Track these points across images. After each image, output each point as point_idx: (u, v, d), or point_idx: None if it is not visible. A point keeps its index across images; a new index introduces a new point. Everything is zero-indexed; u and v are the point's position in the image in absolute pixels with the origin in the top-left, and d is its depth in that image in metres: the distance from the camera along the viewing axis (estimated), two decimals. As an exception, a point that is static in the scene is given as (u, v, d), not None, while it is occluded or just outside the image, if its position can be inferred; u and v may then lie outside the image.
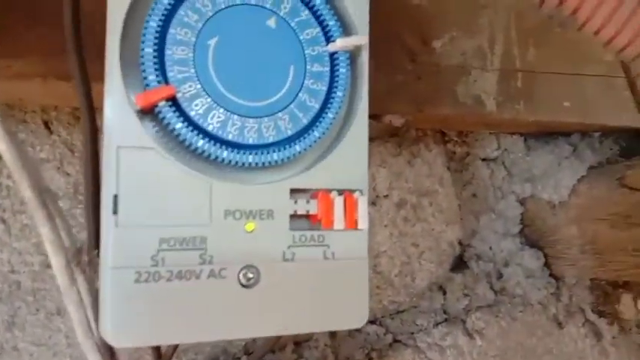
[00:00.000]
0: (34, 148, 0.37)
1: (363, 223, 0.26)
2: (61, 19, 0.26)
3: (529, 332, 0.48)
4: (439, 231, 0.47)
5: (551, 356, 0.49)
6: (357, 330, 0.43)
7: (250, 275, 0.25)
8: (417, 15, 0.36)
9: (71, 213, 0.37)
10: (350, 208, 0.26)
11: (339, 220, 0.26)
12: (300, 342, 0.41)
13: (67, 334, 0.36)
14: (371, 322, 0.44)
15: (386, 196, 0.44)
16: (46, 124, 0.38)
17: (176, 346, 0.27)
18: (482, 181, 0.48)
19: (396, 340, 0.44)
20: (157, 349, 0.28)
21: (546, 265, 0.49)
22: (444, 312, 0.46)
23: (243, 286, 0.25)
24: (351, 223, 0.26)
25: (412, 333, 0.45)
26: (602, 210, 0.45)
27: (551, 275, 0.49)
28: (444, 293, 0.47)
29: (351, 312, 0.26)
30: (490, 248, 0.48)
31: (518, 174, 0.49)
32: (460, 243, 0.48)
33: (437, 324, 0.45)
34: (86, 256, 0.24)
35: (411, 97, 0.36)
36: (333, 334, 0.42)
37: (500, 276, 0.48)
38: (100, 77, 0.24)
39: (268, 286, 0.25)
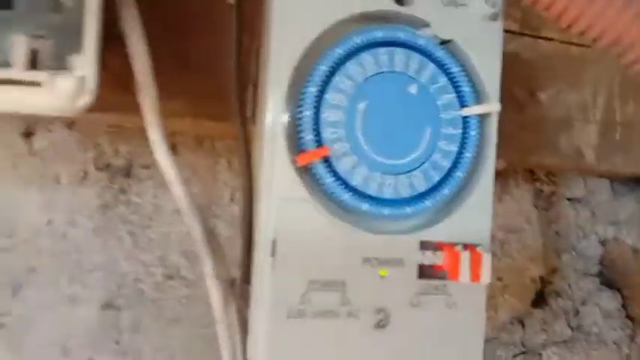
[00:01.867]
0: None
1: (485, 278, 0.28)
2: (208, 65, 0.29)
3: (602, 370, 0.49)
4: (523, 267, 0.48)
5: (622, 395, 0.50)
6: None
7: (381, 317, 0.27)
8: (527, 69, 0.38)
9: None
10: (475, 263, 0.28)
11: (464, 273, 0.28)
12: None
13: (182, 340, 0.39)
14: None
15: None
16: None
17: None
18: (567, 220, 0.50)
19: (475, 369, 0.46)
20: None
21: (623, 306, 0.50)
22: (522, 345, 0.48)
23: (375, 326, 0.27)
24: (475, 277, 0.28)
25: (491, 363, 0.47)
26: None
27: (627, 317, 0.50)
28: (524, 327, 0.48)
29: (467, 357, 0.29)
30: (569, 286, 0.50)
31: (602, 216, 0.50)
32: (541, 279, 0.49)
33: (515, 355, 0.47)
34: (238, 288, 0.27)
35: (515, 146, 0.38)
36: None
37: (577, 313, 0.50)
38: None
39: (397, 328, 0.28)
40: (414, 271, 0.28)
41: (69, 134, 0.39)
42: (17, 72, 0.20)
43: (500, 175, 0.48)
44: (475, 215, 0.29)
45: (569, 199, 0.50)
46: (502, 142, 0.38)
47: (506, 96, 0.38)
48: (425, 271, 0.28)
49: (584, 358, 0.49)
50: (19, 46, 0.20)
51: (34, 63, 0.21)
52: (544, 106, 0.39)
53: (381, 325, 0.27)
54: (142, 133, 0.40)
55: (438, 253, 0.28)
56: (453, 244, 0.28)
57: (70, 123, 0.39)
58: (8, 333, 0.37)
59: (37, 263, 0.37)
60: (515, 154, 0.38)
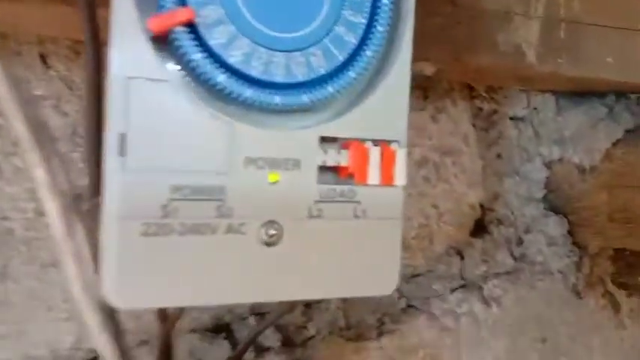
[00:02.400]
0: (30, 84, 0.34)
1: (400, 179, 0.23)
2: None
3: (547, 302, 0.46)
4: (461, 193, 0.44)
5: (568, 326, 0.47)
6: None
7: (272, 232, 0.22)
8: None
9: (69, 157, 0.33)
10: (387, 161, 0.23)
11: (374, 175, 0.23)
12: (310, 304, 0.39)
13: (63, 287, 0.33)
14: (385, 285, 0.41)
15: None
16: (43, 58, 0.34)
17: (184, 307, 0.24)
18: (509, 142, 0.45)
19: (409, 305, 0.42)
20: (162, 309, 0.25)
21: (570, 232, 0.46)
22: (462, 277, 0.44)
23: (265, 243, 0.22)
24: (387, 179, 0.23)
25: (427, 298, 0.42)
26: (636, 175, 0.42)
27: (574, 244, 0.47)
28: (462, 258, 0.44)
29: (379, 277, 0.24)
30: (512, 213, 0.46)
31: (546, 135, 0.46)
32: (482, 206, 0.45)
33: (453, 290, 0.43)
34: (86, 203, 0.21)
35: (447, 44, 0.32)
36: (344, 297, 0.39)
37: (520, 242, 0.46)
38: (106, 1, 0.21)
39: (291, 244, 0.22)
40: (313, 175, 0.22)
41: None
42: None
43: (433, 91, 0.43)
44: (389, 105, 0.23)
45: (511, 118, 0.45)
46: (432, 40, 0.33)
47: (436, -17, 0.33)
48: (326, 174, 0.22)
49: (528, 289, 0.45)
50: None
51: None
52: (479, -3, 0.33)
53: (271, 241, 0.22)
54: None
55: (343, 151, 0.23)
56: (361, 141, 0.23)
57: None
58: None
59: None
60: (446, 53, 0.32)
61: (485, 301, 0.44)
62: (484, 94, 0.44)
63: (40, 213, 0.33)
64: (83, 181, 0.22)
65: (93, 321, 0.22)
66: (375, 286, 0.24)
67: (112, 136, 0.20)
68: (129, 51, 0.20)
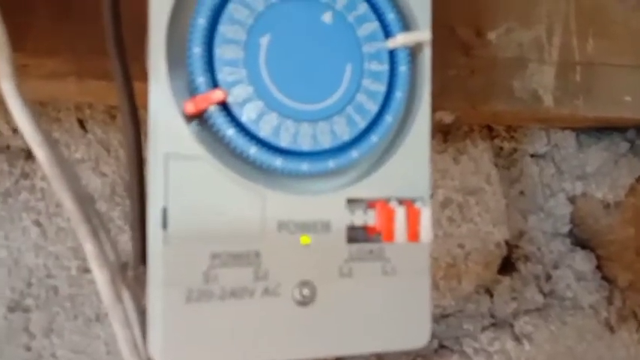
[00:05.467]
0: (69, 148, 0.36)
1: (426, 236, 0.24)
2: (91, 15, 0.24)
3: (579, 337, 0.46)
4: (486, 231, 0.44)
5: (603, 362, 0.46)
6: (402, 336, 0.41)
7: (306, 292, 0.23)
8: (472, 5, 0.34)
9: (109, 216, 0.35)
10: (412, 219, 0.24)
11: (400, 233, 0.24)
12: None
13: (106, 341, 0.35)
14: (416, 327, 0.42)
15: (430, 196, 0.42)
16: (81, 123, 0.37)
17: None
18: (531, 179, 0.46)
19: (442, 346, 0.42)
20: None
21: (598, 267, 0.46)
22: (491, 316, 0.44)
23: (299, 303, 0.23)
24: (413, 236, 0.24)
25: (458, 337, 0.43)
26: (662, 210, 0.42)
27: (603, 278, 0.47)
28: (491, 296, 0.44)
29: (412, 331, 0.25)
30: (539, 249, 0.46)
31: (568, 171, 0.46)
32: (507, 244, 0.45)
33: (484, 328, 0.43)
34: (132, 271, 0.23)
35: (463, 93, 0.34)
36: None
37: (549, 278, 0.46)
38: (139, 76, 0.22)
39: (325, 303, 0.23)
40: (342, 235, 0.23)
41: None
42: None
43: (453, 134, 0.44)
44: (410, 165, 0.25)
45: (532, 155, 0.46)
46: (449, 91, 0.34)
47: (450, 38, 0.34)
48: (355, 234, 0.24)
49: (559, 325, 0.45)
50: None
51: None
52: (494, 47, 0.34)
53: (305, 301, 0.23)
54: (41, 107, 0.35)
55: (369, 211, 0.24)
56: (385, 200, 0.24)
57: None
58: None
59: None
60: (464, 102, 0.34)
61: (517, 339, 0.44)
62: (504, 134, 0.45)
63: (84, 270, 0.35)
64: (123, 242, 0.23)
65: (140, 382, 0.23)
66: (408, 339, 0.25)
67: (154, 210, 0.21)
68: (166, 130, 0.22)
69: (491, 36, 0.34)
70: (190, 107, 0.21)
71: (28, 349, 0.34)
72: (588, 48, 0.37)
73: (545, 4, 0.36)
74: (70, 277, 0.35)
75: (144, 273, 0.22)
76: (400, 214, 0.24)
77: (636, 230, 0.43)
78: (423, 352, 0.41)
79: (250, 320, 0.22)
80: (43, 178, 0.35)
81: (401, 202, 0.24)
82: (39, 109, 0.35)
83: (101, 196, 0.36)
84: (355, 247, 0.24)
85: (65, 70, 0.28)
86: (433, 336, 0.42)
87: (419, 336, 0.25)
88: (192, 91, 0.22)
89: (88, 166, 0.36)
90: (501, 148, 0.46)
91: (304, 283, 0.23)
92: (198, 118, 0.22)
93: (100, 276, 0.22)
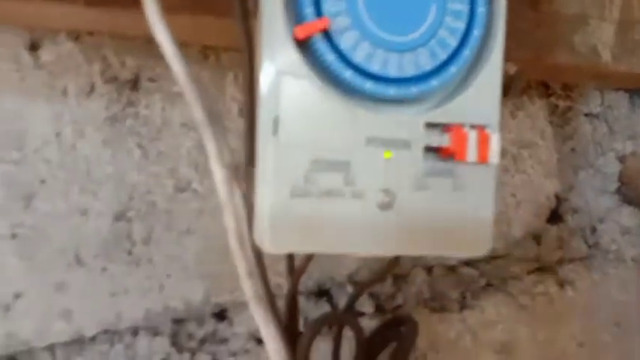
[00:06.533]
0: (169, 82, 0.40)
1: (494, 158, 0.27)
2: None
3: (620, 287, 0.49)
4: (538, 183, 0.47)
5: (641, 313, 0.49)
6: (453, 270, 0.45)
7: (387, 199, 0.27)
8: (541, -37, 0.36)
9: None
10: (483, 143, 0.27)
11: (471, 153, 0.27)
12: (399, 276, 0.43)
13: (196, 251, 0.40)
14: (466, 264, 0.46)
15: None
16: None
17: (310, 259, 0.30)
18: (584, 137, 0.48)
19: (489, 284, 0.46)
20: (291, 260, 0.31)
21: (643, 223, 0.49)
22: (537, 261, 0.47)
23: (380, 207, 0.27)
24: (483, 157, 0.27)
25: (505, 278, 0.46)
26: None
27: (647, 234, 0.49)
28: (539, 244, 0.48)
29: (475, 241, 0.28)
30: (587, 203, 0.49)
31: (620, 131, 0.49)
32: (557, 196, 0.48)
33: (530, 272, 0.47)
34: (243, 171, 0.27)
35: (529, 45, 0.37)
36: (429, 272, 0.44)
37: (594, 231, 0.49)
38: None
39: (401, 209, 0.27)
40: (420, 153, 0.27)
41: (74, 47, 0.38)
42: None
43: (514, 91, 0.47)
44: (483, 96, 0.28)
45: (586, 115, 0.49)
46: (515, 40, 0.37)
47: (519, -8, 0.37)
48: (431, 153, 0.27)
49: (601, 275, 0.48)
50: None
51: None
52: (559, 3, 0.37)
53: (386, 206, 0.27)
54: (147, 45, 0.40)
55: (445, 134, 0.27)
56: (460, 125, 0.28)
57: (75, 36, 0.38)
58: (22, 243, 0.37)
59: (47, 175, 0.38)
60: (528, 52, 0.37)
61: (560, 284, 0.47)
62: (560, 92, 0.48)
63: (179, 189, 0.40)
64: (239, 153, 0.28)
65: (243, 269, 0.28)
66: (471, 248, 0.28)
67: (266, 119, 0.26)
68: (278, 52, 0.26)
69: (557, -7, 0.37)
70: (299, 32, 0.25)
71: (130, 253, 0.39)
72: (649, 9, 0.40)
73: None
74: (167, 195, 0.40)
75: (252, 173, 0.27)
76: (472, 137, 0.27)
77: (683, 188, 0.45)
78: (471, 287, 0.45)
79: (340, 217, 0.26)
80: (147, 106, 0.40)
81: (473, 126, 0.28)
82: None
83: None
84: (430, 164, 0.27)
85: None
86: (481, 274, 0.46)
87: (480, 247, 0.28)
88: (301, 19, 0.26)
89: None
90: (557, 106, 0.48)
91: (385, 191, 0.27)
92: (305, 43, 0.26)
93: (218, 173, 0.26)
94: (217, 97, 0.41)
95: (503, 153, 0.46)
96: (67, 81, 0.38)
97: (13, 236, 0.37)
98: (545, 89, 0.48)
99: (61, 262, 0.38)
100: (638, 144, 0.48)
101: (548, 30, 0.37)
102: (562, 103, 0.48)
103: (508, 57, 0.37)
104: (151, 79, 0.40)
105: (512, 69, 0.38)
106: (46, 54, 0.38)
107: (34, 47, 0.38)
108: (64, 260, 0.38)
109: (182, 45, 0.41)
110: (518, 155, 0.47)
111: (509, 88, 0.46)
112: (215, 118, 0.26)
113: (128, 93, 0.39)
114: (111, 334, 0.39)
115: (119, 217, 0.39)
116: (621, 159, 0.49)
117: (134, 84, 0.40)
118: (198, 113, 0.26)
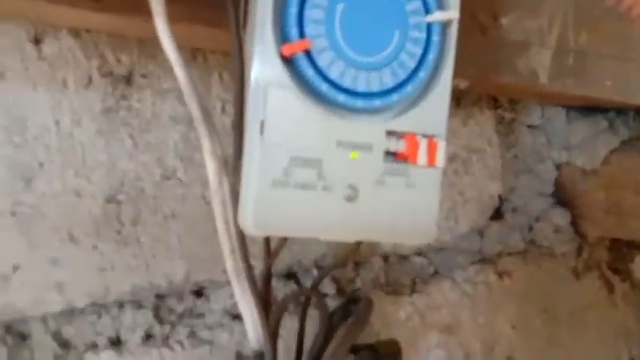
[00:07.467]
0: (160, 80, 0.45)
1: (440, 162, 0.33)
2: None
3: (551, 279, 0.55)
4: (483, 184, 0.54)
5: (567, 302, 0.56)
6: (406, 259, 0.51)
7: (352, 192, 0.32)
8: (491, -5, 0.42)
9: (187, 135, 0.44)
10: (432, 149, 0.33)
11: (422, 158, 0.33)
12: (359, 262, 0.49)
13: (179, 234, 0.44)
14: (418, 254, 0.52)
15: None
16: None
17: (284, 241, 0.35)
18: (525, 145, 0.55)
19: (437, 272, 0.52)
20: (267, 244, 0.36)
21: (573, 223, 0.56)
22: (480, 253, 0.54)
23: (346, 199, 0.32)
24: (431, 161, 0.33)
25: (451, 268, 0.52)
26: (629, 178, 0.51)
27: (576, 233, 0.56)
28: (482, 237, 0.54)
29: (423, 231, 0.34)
30: (525, 204, 0.55)
31: (557, 142, 0.55)
32: (500, 197, 0.55)
33: (473, 262, 0.53)
34: (231, 164, 0.32)
35: (478, 65, 0.42)
36: (385, 260, 0.50)
37: (531, 229, 0.55)
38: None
39: (364, 202, 0.32)
40: (381, 155, 0.33)
41: (74, 42, 0.42)
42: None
43: (464, 100, 0.53)
44: (434, 110, 0.34)
45: (528, 126, 0.55)
46: (465, 61, 0.43)
47: (471, 20, 0.43)
48: (389, 156, 0.33)
49: (535, 267, 0.55)
50: None
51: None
52: (505, 30, 0.43)
53: (351, 198, 0.32)
54: (140, 45, 0.44)
55: (401, 140, 0.33)
56: (414, 134, 0.33)
57: (76, 33, 0.42)
58: (21, 220, 0.41)
59: (46, 159, 0.42)
60: (477, 72, 0.42)
61: (499, 274, 0.54)
62: (506, 105, 0.54)
63: (165, 177, 0.44)
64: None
65: (226, 247, 0.33)
66: (420, 236, 0.34)
67: (254, 121, 0.30)
68: (267, 66, 0.30)
69: (504, 21, 0.43)
70: (286, 50, 0.30)
71: (119, 233, 0.43)
72: (581, 39, 0.46)
73: (550, 0, 0.44)
74: (154, 182, 0.44)
75: (239, 166, 0.32)
76: (423, 144, 0.33)
77: (606, 194, 0.52)
78: (421, 275, 0.51)
79: (312, 206, 0.31)
80: (139, 100, 0.44)
81: (425, 135, 0.33)
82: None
83: (182, 120, 0.45)
84: (389, 165, 0.33)
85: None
86: (430, 263, 0.52)
87: (427, 235, 0.34)
88: (286, 39, 0.31)
89: (173, 95, 0.45)
90: (503, 118, 0.54)
91: (351, 186, 0.32)
92: (289, 59, 0.31)
93: (211, 165, 0.31)
94: (204, 95, 0.45)
95: (455, 156, 0.52)
96: (67, 73, 0.42)
97: (13, 214, 0.41)
98: (493, 102, 0.54)
99: (56, 239, 0.42)
100: (571, 154, 0.54)
101: (495, 53, 0.43)
102: (508, 115, 0.54)
103: (458, 74, 0.43)
104: (144, 76, 0.44)
105: (464, 84, 0.44)
106: (48, 47, 0.42)
107: (37, 41, 0.42)
108: (59, 237, 0.42)
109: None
110: (468, 159, 0.53)
111: (460, 99, 0.52)
112: (207, 115, 0.31)
113: (122, 87, 0.44)
114: (99, 307, 0.43)
115: (110, 199, 0.43)
116: (557, 166, 0.56)
117: (128, 79, 0.44)
118: (195, 112, 0.30)
